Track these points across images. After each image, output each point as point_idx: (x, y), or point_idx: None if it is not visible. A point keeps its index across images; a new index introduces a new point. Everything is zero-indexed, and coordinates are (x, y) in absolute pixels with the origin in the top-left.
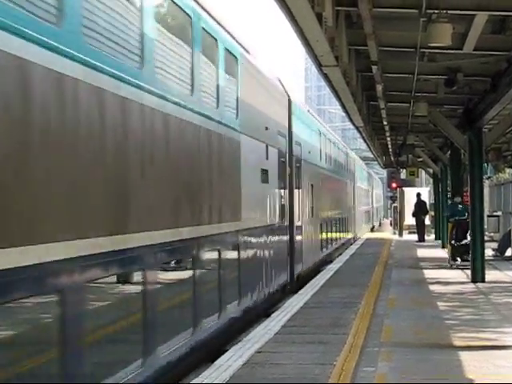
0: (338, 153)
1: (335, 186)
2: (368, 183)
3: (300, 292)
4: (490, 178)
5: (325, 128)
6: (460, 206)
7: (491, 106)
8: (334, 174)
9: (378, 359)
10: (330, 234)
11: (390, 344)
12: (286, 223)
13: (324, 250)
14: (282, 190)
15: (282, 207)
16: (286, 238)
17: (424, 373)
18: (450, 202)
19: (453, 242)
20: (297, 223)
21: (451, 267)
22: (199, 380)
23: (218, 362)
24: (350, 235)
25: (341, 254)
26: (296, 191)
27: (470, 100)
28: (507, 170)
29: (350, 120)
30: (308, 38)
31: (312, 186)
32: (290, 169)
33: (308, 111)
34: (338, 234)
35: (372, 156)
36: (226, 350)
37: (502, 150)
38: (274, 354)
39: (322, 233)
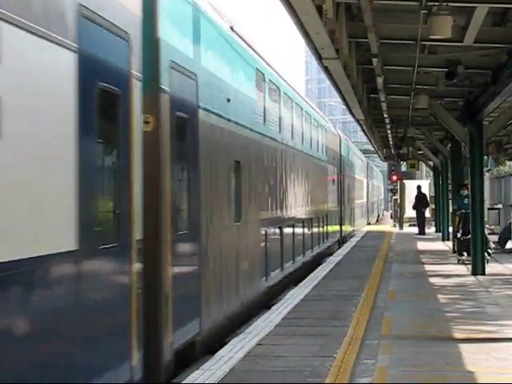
0: (305, 120)
1: (302, 169)
2: (363, 173)
3: (300, 284)
4: (490, 170)
5: (277, 74)
6: (466, 199)
7: (492, 99)
8: (297, 151)
9: (378, 351)
10: (286, 245)
11: (390, 336)
12: (126, 239)
13: (272, 273)
14: (112, 169)
15: (109, 208)
16: (123, 274)
17: (424, 365)
18: (455, 194)
19: (458, 235)
20: (181, 235)
21: (458, 262)
22: (200, 372)
23: (218, 354)
24: (330, 240)
25: (302, 279)
26: (179, 171)
27: (471, 93)
28: (508, 163)
29: (351, 113)
30: (308, 31)
31: (239, 164)
32: (157, 124)
33: (231, 29)
34: (305, 241)
35: (372, 149)
36: (227, 342)
37: (503, 142)
38: (274, 347)
39: (266, 246)
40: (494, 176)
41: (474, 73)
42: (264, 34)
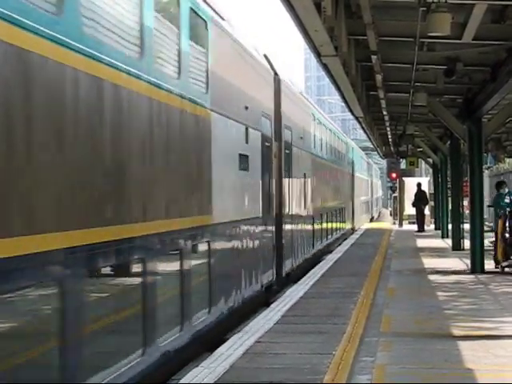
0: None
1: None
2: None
3: (299, 282)
4: (489, 168)
5: None
6: (507, 196)
7: (491, 96)
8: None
9: (377, 349)
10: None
11: (389, 334)
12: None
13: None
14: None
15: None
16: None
17: (423, 362)
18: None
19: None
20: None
21: (503, 271)
22: (199, 369)
23: (217, 352)
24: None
25: None
26: None
27: (470, 90)
28: (507, 160)
29: (350, 110)
30: (307, 28)
31: None
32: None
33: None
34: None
35: (372, 146)
36: (226, 340)
37: (502, 139)
38: (273, 344)
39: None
40: (493, 173)
41: (472, 70)
42: (264, 31)
